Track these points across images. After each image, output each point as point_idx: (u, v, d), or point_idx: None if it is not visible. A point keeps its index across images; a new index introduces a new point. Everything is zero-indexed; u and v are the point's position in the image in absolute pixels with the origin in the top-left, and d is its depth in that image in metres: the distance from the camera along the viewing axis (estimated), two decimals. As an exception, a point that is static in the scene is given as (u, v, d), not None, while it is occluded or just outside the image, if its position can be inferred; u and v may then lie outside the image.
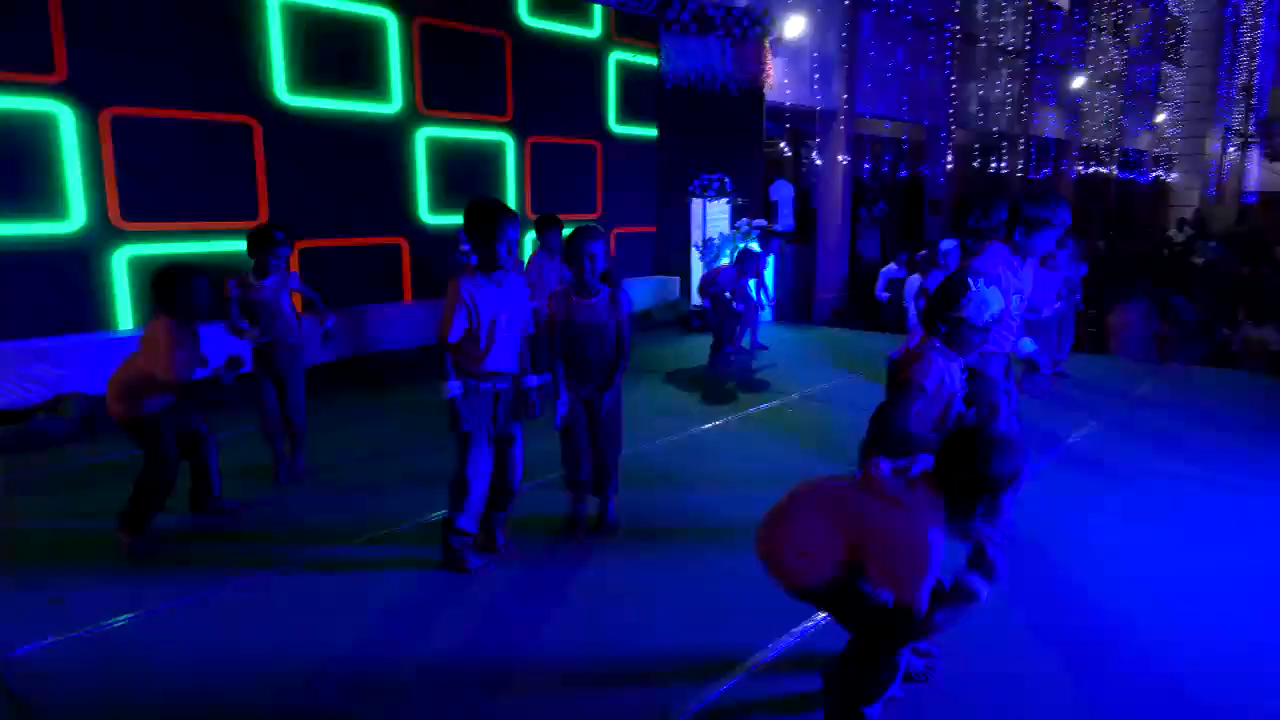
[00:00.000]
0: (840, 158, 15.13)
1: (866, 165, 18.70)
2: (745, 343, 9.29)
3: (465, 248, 7.59)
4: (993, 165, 21.35)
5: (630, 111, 10.98)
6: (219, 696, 3.07)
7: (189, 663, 3.28)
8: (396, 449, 5.90)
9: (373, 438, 6.17)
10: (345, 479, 5.30)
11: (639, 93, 11.06)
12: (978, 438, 2.48)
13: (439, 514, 4.60)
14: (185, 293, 4.15)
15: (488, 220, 3.79)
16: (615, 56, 10.64)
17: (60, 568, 4.04)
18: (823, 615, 3.46)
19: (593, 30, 10.33)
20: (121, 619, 3.55)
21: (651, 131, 11.33)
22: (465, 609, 3.71)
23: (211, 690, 3.11)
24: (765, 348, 9.48)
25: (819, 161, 15.57)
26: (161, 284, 4.17)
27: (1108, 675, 3.21)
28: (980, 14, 18.79)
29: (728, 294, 8.80)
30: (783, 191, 13.88)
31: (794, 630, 3.44)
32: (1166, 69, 28.44)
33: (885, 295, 11.53)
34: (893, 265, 11.61)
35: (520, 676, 3.20)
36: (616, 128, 10.84)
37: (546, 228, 6.83)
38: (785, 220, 13.62)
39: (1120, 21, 25.10)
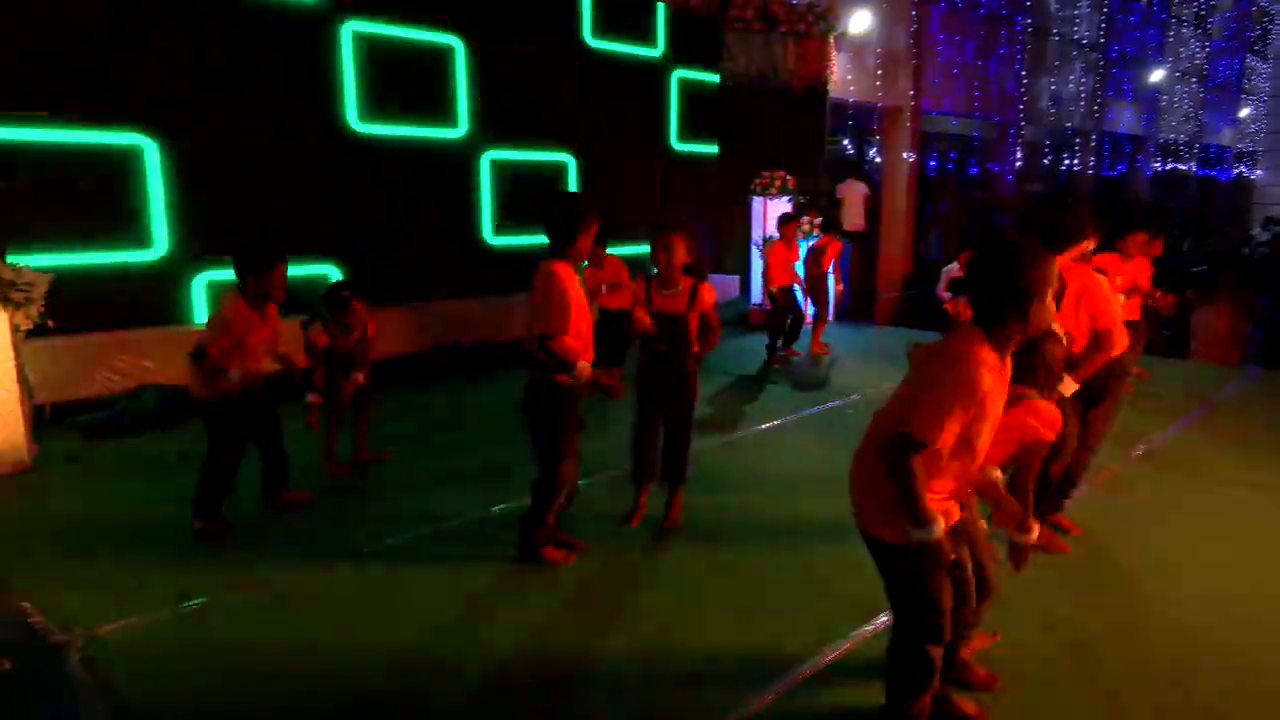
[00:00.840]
0: (905, 155, 14.89)
1: (933, 162, 18.35)
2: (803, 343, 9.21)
3: None
4: (1065, 162, 20.77)
5: (691, 129, 11.02)
6: (289, 679, 3.17)
7: (260, 646, 3.38)
8: (461, 443, 6.00)
9: (440, 431, 6.27)
10: (411, 472, 5.41)
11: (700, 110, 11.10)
12: (995, 246, 2.44)
13: (497, 508, 4.69)
14: (260, 275, 4.25)
15: (578, 212, 3.81)
16: (677, 74, 10.69)
17: (140, 551, 4.20)
18: (881, 618, 3.43)
19: (655, 50, 10.41)
20: (196, 602, 3.68)
21: (712, 148, 11.36)
22: (524, 603, 3.76)
23: (281, 673, 3.21)
24: (828, 346, 9.40)
25: (879, 160, 15.35)
26: (240, 260, 4.25)
27: (1177, 684, 3.11)
28: (1053, 6, 18.29)
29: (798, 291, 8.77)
30: (852, 190, 13.70)
31: (852, 633, 3.40)
32: (1251, 61, 27.31)
33: (947, 294, 11.30)
34: (954, 264, 11.37)
35: (575, 672, 3.23)
36: (678, 145, 10.91)
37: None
38: (855, 219, 13.46)
39: (1202, 12, 24.18)
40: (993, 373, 2.36)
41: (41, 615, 3.50)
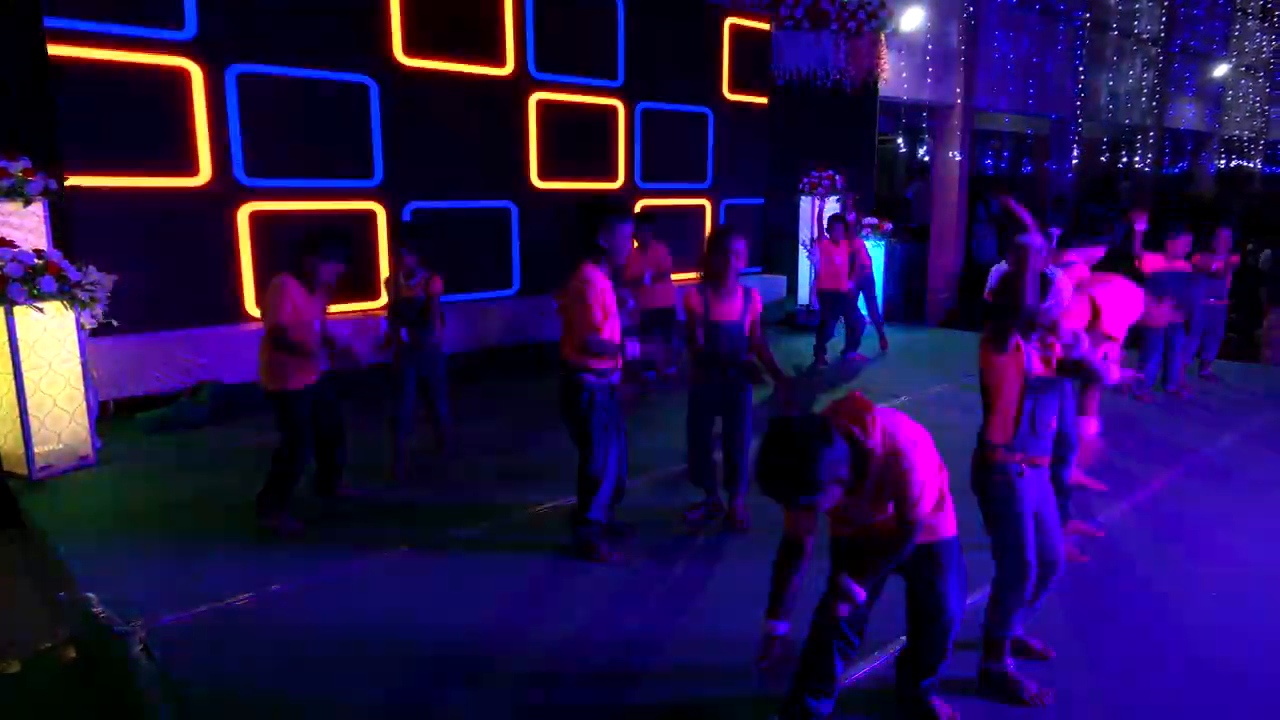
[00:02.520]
0: (954, 154, 14.65)
1: (988, 160, 18.02)
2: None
3: None
4: (1123, 159, 20.26)
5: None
6: (347, 669, 3.21)
7: (319, 636, 3.44)
8: (510, 441, 6.04)
9: (488, 430, 6.32)
10: (462, 470, 5.46)
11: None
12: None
13: (549, 504, 4.71)
14: (313, 255, 4.32)
15: (604, 215, 3.93)
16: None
17: (199, 544, 4.29)
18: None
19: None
20: (252, 594, 3.75)
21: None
22: (583, 598, 3.77)
23: (340, 663, 3.25)
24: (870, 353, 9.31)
25: (928, 159, 15.12)
26: (299, 245, 4.37)
27: (1238, 704, 3.00)
28: (1112, 0, 17.85)
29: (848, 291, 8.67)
30: (923, 189, 13.57)
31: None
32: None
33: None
34: (1003, 264, 11.14)
35: (621, 663, 3.23)
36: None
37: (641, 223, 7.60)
38: (922, 217, 13.34)
39: (1269, 5, 23.40)
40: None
41: (104, 606, 3.59)
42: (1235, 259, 7.61)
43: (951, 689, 2.97)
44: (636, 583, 3.93)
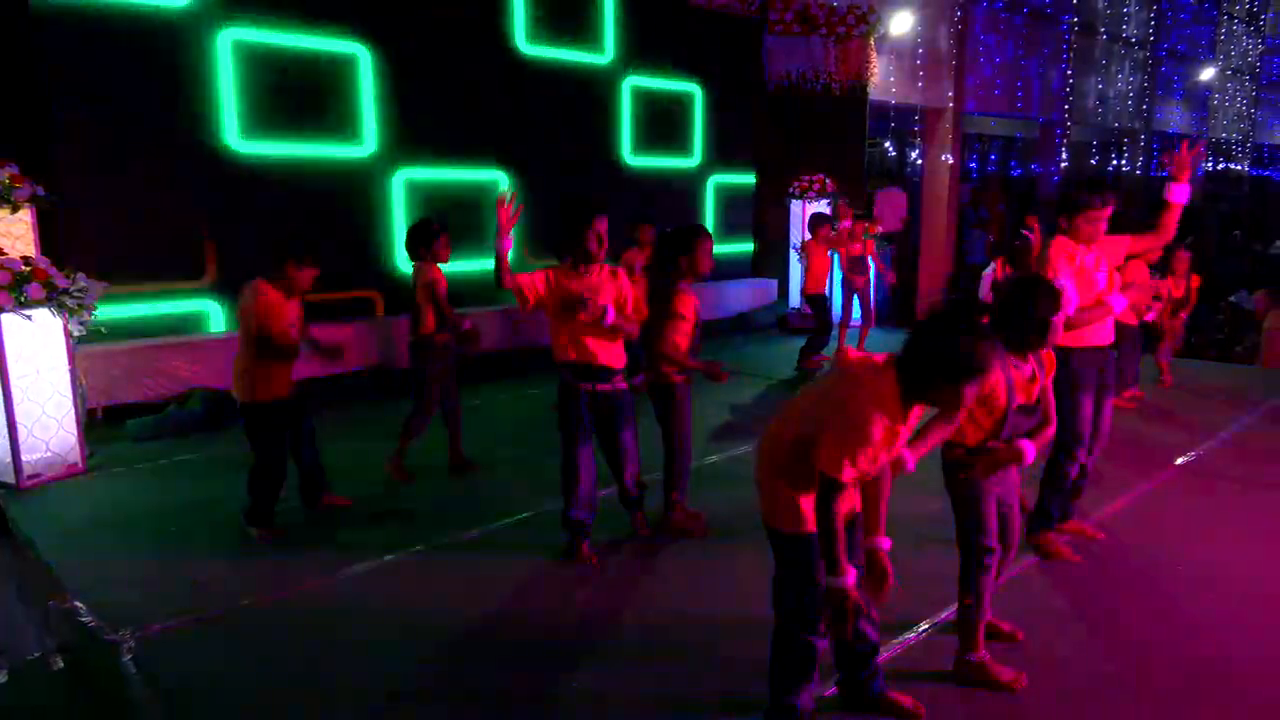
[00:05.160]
0: (945, 157, 14.70)
1: (973, 164, 18.10)
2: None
3: None
4: (1112, 162, 20.37)
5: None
6: (337, 677, 3.19)
7: (305, 644, 3.42)
8: (507, 444, 6.03)
9: (483, 434, 6.30)
10: (459, 472, 5.46)
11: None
12: (941, 315, 2.45)
13: (547, 509, 4.71)
14: (291, 260, 4.25)
15: (580, 213, 3.89)
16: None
17: (189, 551, 4.28)
18: (923, 626, 3.39)
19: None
20: (246, 601, 3.73)
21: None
22: (581, 597, 3.77)
23: (330, 671, 3.23)
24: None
25: (919, 161, 15.19)
26: (275, 250, 4.30)
27: (1230, 703, 3.01)
28: (1100, 4, 17.96)
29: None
30: (889, 197, 13.59)
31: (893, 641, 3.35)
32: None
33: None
34: (992, 268, 11.15)
35: (598, 655, 3.23)
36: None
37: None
38: (889, 224, 13.39)
39: (1255, 9, 23.59)
40: (890, 417, 2.39)
41: (94, 615, 3.57)
42: (1196, 280, 7.62)
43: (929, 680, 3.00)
44: (628, 583, 3.94)
